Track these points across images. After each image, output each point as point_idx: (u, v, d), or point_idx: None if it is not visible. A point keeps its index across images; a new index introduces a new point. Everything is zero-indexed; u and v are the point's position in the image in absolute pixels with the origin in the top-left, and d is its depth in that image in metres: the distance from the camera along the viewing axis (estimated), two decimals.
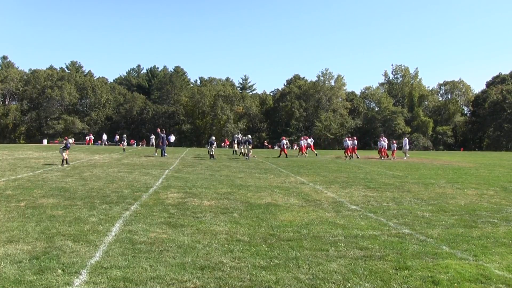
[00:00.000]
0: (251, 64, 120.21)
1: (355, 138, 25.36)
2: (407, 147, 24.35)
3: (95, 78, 69.28)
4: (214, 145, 21.73)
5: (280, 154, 22.86)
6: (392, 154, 22.99)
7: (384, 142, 23.16)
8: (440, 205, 7.82)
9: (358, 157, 23.19)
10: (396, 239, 5.27)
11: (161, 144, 21.66)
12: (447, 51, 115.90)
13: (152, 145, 43.90)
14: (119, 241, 4.88)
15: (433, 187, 10.31)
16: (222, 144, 43.98)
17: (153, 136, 30.33)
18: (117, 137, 46.51)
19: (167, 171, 13.62)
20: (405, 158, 23.65)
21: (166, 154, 21.58)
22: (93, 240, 4.89)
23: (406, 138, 24.73)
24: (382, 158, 22.26)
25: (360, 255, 4.59)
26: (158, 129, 23.79)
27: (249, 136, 22.32)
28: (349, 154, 22.62)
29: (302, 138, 24.62)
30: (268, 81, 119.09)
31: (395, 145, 23.85)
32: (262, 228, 5.71)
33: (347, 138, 24.01)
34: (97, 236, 5.05)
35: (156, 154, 21.87)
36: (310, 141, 25.92)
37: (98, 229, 5.39)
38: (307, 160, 21.32)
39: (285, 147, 23.18)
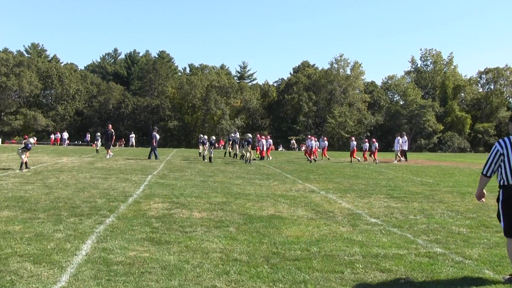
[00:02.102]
0: (251, 49, 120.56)
1: (374, 140, 25.47)
2: (399, 148, 25.04)
3: (62, 64, 69.50)
4: (214, 145, 21.80)
5: (311, 158, 22.79)
6: (363, 155, 24.74)
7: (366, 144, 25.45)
8: (480, 219, 7.82)
9: (375, 161, 23.32)
10: (426, 259, 5.26)
11: (154, 144, 21.82)
12: (489, 31, 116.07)
13: (132, 145, 44.26)
14: (91, 262, 4.87)
15: (471, 197, 10.31)
16: (216, 145, 44.08)
17: (98, 134, 29.78)
18: (88, 136, 46.63)
19: (150, 176, 13.62)
20: (395, 161, 24.26)
21: (157, 156, 21.90)
22: (59, 261, 4.88)
23: (398, 138, 25.09)
24: (365, 160, 23.81)
25: (382, 279, 4.59)
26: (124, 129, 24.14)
27: (249, 135, 22.38)
28: (314, 157, 22.94)
29: (309, 138, 24.72)
30: (271, 69, 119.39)
31: (367, 144, 25.35)
32: (263, 245, 5.71)
33: (310, 137, 24.28)
34: (63, 256, 5.04)
35: (108, 156, 22.00)
36: (323, 143, 26.00)
37: (65, 248, 5.38)
38: (317, 164, 21.33)
39: (312, 148, 23.17)
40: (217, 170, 16.62)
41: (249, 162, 20.50)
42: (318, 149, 25.34)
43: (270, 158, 23.37)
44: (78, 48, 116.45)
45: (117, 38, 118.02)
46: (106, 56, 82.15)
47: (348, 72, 63.41)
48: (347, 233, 6.52)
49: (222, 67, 78.23)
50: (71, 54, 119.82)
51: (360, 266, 4.95)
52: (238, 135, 28.43)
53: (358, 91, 63.98)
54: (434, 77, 66.52)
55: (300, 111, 61.08)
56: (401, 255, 5.39)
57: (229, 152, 26.44)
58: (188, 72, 76.02)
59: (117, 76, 73.26)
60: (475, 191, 7.54)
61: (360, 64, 63.57)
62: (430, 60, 67.76)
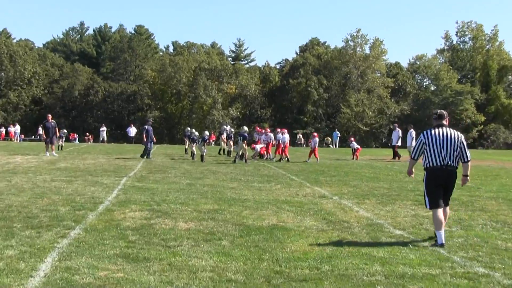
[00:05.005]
0: (248, 23, 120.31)
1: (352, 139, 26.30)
2: (398, 142, 26.12)
3: (14, 41, 69.18)
4: (206, 141, 21.80)
5: (310, 154, 22.86)
6: (355, 153, 25.47)
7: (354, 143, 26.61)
8: None
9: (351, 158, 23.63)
10: (465, 281, 5.27)
11: (145, 140, 22.00)
12: None
13: (103, 141, 44.24)
14: (50, 285, 4.87)
15: None
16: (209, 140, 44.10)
17: (44, 124, 24.68)
18: (40, 129, 45.82)
19: (125, 178, 13.65)
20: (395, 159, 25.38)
21: (150, 154, 22.16)
22: (9, 284, 4.86)
23: (412, 130, 25.73)
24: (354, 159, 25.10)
25: None
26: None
27: (245, 128, 22.37)
28: (282, 154, 22.94)
29: (313, 134, 24.84)
30: (272, 48, 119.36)
31: (355, 143, 26.40)
32: (263, 263, 5.73)
33: (279, 130, 24.34)
34: (15, 279, 5.02)
35: (48, 154, 21.99)
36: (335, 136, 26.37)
37: (18, 268, 5.37)
38: (329, 164, 21.35)
39: (316, 146, 23.18)
40: (207, 171, 16.62)
41: (245, 160, 20.52)
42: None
43: (287, 158, 23.08)
44: (34, 21, 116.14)
45: (84, 9, 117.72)
46: (70, 32, 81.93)
47: (367, 51, 63.28)
48: (366, 247, 6.53)
49: (213, 45, 78.00)
50: (26, 29, 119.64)
51: None
52: (229, 127, 28.44)
53: (378, 74, 63.88)
54: (473, 56, 66.40)
55: (308, 99, 61.01)
56: (433, 276, 5.40)
57: (223, 150, 26.47)
58: (172, 51, 75.78)
59: (84, 56, 73.09)
60: None
61: (381, 42, 63.40)
62: (469, 36, 67.61)
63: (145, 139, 22.24)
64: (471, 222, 8.46)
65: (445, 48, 68.76)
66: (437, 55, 68.65)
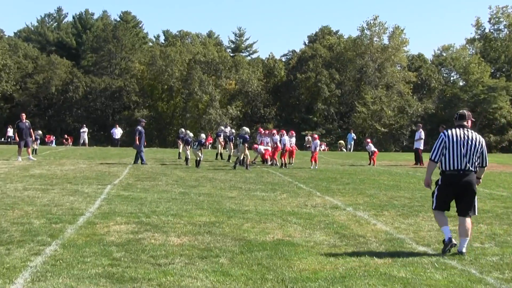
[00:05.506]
0: (249, 11, 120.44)
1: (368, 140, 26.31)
2: (421, 145, 26.18)
3: None
4: (203, 145, 21.72)
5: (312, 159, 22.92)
6: (372, 158, 25.59)
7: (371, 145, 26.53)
8: None
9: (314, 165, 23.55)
10: None
11: (137, 143, 22.02)
12: None
13: (84, 143, 44.23)
14: None
15: None
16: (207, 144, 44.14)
17: (17, 125, 24.16)
18: (10, 130, 45.78)
19: (109, 187, 13.66)
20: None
21: (144, 159, 22.23)
22: None
23: (421, 131, 26.18)
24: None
25: None
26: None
27: (246, 129, 22.40)
28: (282, 158, 22.90)
29: (310, 136, 24.81)
30: (277, 39, 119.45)
31: (371, 145, 26.43)
32: (267, 283, 5.72)
33: (281, 132, 24.29)
34: None
35: (20, 158, 22.03)
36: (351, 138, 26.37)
37: None
38: (342, 170, 21.33)
39: (316, 149, 23.23)
40: (203, 178, 16.63)
41: (245, 166, 20.51)
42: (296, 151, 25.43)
43: (292, 163, 23.06)
44: (4, 7, 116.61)
45: None
46: (46, 18, 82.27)
47: (386, 41, 63.46)
48: (384, 266, 6.53)
49: (210, 35, 78.28)
50: None
51: None
52: (229, 129, 28.34)
53: (399, 68, 63.92)
54: (509, 46, 66.37)
55: (318, 96, 61.10)
56: None
57: (221, 154, 26.46)
58: (163, 42, 76.04)
59: (62, 47, 73.33)
60: None
61: (402, 30, 63.54)
62: (504, 23, 67.58)
63: (137, 142, 22.10)
64: (507, 238, 8.43)
65: (476, 37, 68.69)
66: (467, 45, 68.63)
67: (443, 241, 7.28)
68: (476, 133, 7.34)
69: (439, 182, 7.40)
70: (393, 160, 29.60)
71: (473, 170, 7.19)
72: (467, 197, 7.25)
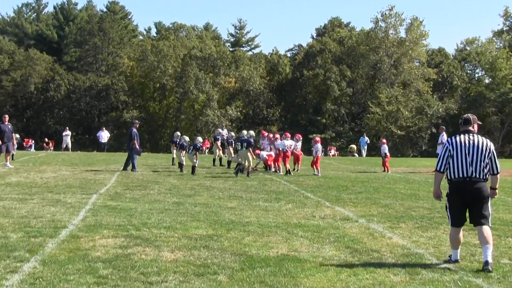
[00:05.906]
0: (251, 1, 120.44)
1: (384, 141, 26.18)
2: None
3: None
4: (199, 150, 21.74)
5: (312, 165, 22.96)
6: (384, 163, 25.76)
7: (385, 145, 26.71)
8: None
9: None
10: None
11: (130, 147, 22.01)
12: None
13: (66, 148, 44.09)
14: None
15: None
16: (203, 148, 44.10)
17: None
18: None
19: (94, 196, 13.63)
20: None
21: (135, 165, 22.15)
22: None
23: (443, 134, 26.24)
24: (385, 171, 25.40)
25: None
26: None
27: (251, 132, 22.39)
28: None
29: (315, 139, 24.77)
30: (281, 32, 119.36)
31: (386, 147, 26.49)
32: None
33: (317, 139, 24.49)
34: None
35: (8, 163, 22.10)
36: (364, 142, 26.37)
37: None
38: (354, 177, 21.32)
39: (320, 154, 23.27)
40: (199, 187, 16.60)
41: (247, 173, 20.47)
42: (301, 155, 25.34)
43: (297, 170, 22.98)
44: None
45: None
46: (24, 9, 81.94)
47: (402, 34, 63.22)
48: (401, 284, 6.53)
49: (207, 27, 78.12)
50: None
51: None
52: (226, 132, 28.28)
53: (417, 64, 63.67)
54: None
55: (328, 95, 60.90)
56: None
57: (220, 159, 26.46)
58: (155, 35, 75.94)
59: (42, 41, 73.13)
60: None
61: (420, 22, 63.18)
62: None
63: (137, 147, 21.96)
64: None
65: (504, 29, 68.53)
66: (494, 38, 68.40)
67: (449, 256, 7.73)
68: (483, 138, 7.58)
69: (448, 192, 7.68)
70: (411, 167, 29.48)
71: (481, 178, 7.40)
72: (478, 205, 7.43)
